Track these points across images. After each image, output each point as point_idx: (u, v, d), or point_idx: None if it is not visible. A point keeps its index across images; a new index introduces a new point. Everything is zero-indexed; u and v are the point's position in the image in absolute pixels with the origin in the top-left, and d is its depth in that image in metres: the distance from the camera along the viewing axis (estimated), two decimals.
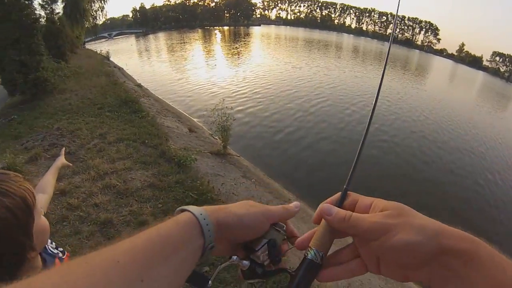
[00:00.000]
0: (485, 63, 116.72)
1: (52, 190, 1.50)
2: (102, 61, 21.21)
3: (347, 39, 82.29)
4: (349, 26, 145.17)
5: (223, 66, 26.30)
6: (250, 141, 9.76)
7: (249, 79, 19.37)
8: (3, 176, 0.83)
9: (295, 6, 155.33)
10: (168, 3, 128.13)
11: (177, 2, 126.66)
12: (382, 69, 0.65)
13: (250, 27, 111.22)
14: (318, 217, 0.47)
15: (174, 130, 8.19)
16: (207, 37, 68.09)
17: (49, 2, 20.82)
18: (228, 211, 0.47)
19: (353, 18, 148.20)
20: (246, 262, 0.47)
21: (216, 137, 8.32)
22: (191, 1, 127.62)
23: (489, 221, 7.24)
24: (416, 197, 7.30)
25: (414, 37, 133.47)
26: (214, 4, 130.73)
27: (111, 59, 24.38)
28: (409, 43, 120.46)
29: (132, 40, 76.35)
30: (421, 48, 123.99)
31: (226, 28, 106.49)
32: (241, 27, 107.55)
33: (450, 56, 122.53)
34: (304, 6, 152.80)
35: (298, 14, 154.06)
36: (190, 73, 22.24)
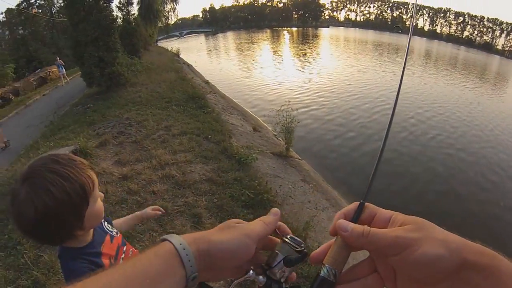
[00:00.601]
0: None
1: (126, 227, 1.62)
2: (172, 58, 22.70)
3: (419, 42, 76.20)
4: (422, 28, 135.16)
5: (290, 67, 26.50)
6: (313, 144, 9.65)
7: (314, 81, 19.35)
8: (70, 162, 0.97)
9: (365, 7, 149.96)
10: (237, 3, 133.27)
11: (245, 2, 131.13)
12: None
13: (319, 28, 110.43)
14: (335, 230, 0.45)
15: (238, 128, 8.36)
16: (275, 38, 69.12)
17: (126, 4, 22.96)
18: (209, 239, 0.45)
19: (426, 19, 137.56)
20: (262, 278, 0.48)
21: (280, 138, 8.33)
22: (260, 2, 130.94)
23: None
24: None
25: (494, 40, 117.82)
26: (282, 4, 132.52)
27: (181, 56, 25.98)
28: (488, 47, 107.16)
29: (201, 38, 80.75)
30: (502, 53, 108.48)
31: (294, 29, 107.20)
32: (309, 28, 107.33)
33: None
34: (374, 6, 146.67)
35: (368, 15, 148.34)
36: (257, 72, 22.93)
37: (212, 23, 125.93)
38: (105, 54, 10.27)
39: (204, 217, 3.79)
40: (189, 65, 22.51)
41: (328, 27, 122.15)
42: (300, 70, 24.53)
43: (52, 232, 0.95)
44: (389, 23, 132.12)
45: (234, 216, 3.79)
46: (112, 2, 11.19)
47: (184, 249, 0.42)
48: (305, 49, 41.63)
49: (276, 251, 0.49)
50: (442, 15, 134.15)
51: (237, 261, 0.46)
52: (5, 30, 35.34)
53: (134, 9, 27.33)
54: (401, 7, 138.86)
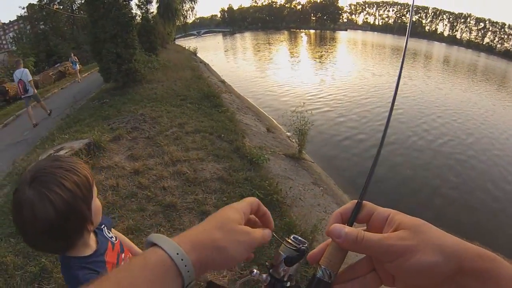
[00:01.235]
0: None
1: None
2: (189, 56, 22.99)
3: (438, 48, 74.24)
4: (441, 33, 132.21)
5: (305, 69, 26.66)
6: (325, 146, 9.70)
7: (328, 83, 19.50)
8: (69, 158, 1.04)
9: (384, 11, 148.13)
10: (255, 4, 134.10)
11: (264, 3, 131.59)
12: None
13: (336, 31, 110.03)
14: (329, 233, 0.46)
15: (252, 128, 8.41)
16: (292, 39, 69.25)
17: (145, 2, 23.36)
18: (212, 246, 0.43)
19: (446, 25, 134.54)
20: (265, 277, 0.50)
21: (293, 140, 8.38)
22: (278, 3, 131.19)
23: None
24: None
25: None
26: (300, 6, 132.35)
27: (197, 54, 26.27)
28: (509, 55, 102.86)
29: (219, 38, 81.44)
30: None
31: (312, 31, 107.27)
32: (327, 31, 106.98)
33: None
34: (393, 10, 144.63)
35: (387, 19, 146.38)
36: (272, 73, 23.22)
37: (230, 23, 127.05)
38: (122, 51, 10.49)
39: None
40: (205, 64, 22.77)
41: (346, 30, 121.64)
42: (315, 72, 24.64)
43: (72, 227, 0.97)
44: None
45: None
46: (132, 0, 11.44)
47: (182, 259, 0.39)
48: (321, 52, 41.66)
49: (280, 251, 0.50)
50: (462, 20, 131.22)
51: (233, 265, 0.47)
52: (27, 25, 36.46)
53: (153, 7, 27.87)
54: (420, 11, 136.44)
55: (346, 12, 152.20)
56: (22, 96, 9.81)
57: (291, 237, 0.52)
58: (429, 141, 10.75)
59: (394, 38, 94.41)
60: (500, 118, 15.37)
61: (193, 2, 43.82)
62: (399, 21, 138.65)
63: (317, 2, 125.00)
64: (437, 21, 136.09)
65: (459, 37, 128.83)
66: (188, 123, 7.10)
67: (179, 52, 25.81)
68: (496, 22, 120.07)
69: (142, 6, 23.33)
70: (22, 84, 9.33)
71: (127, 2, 11.03)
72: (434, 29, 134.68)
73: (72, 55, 17.48)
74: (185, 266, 0.39)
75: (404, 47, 0.65)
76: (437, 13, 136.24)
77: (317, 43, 61.58)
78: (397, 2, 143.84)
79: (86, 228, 1.02)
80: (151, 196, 4.21)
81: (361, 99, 15.55)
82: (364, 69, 27.00)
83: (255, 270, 0.51)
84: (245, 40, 69.08)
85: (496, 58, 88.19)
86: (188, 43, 39.40)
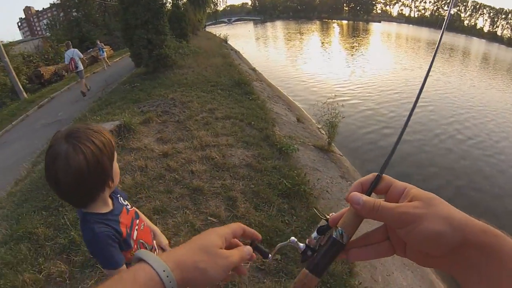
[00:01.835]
0: None
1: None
2: (220, 44, 23.08)
3: (477, 44, 69.78)
4: (481, 29, 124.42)
5: (336, 60, 26.40)
6: (352, 140, 9.64)
7: (358, 75, 19.31)
8: (98, 125, 1.19)
9: (420, 2, 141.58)
10: None
11: None
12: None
13: (370, 23, 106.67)
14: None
15: (282, 117, 8.34)
16: (324, 30, 68.14)
17: None
18: (195, 267, 0.50)
19: (486, 20, 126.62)
20: (302, 245, 0.56)
21: (323, 132, 8.26)
22: None
23: None
24: None
25: None
26: None
27: (228, 42, 26.32)
28: None
29: (250, 26, 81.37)
30: None
31: (344, 22, 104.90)
32: (360, 22, 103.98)
33: None
34: (430, 2, 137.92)
35: (423, 11, 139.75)
36: (303, 63, 23.19)
37: (261, 12, 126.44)
38: (153, 37, 10.67)
39: (239, 201, 3.83)
40: (236, 52, 22.79)
41: (380, 22, 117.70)
42: (346, 64, 24.30)
43: (97, 179, 1.12)
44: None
45: (269, 203, 3.82)
46: None
47: (167, 276, 0.45)
48: (353, 43, 40.89)
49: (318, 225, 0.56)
50: (503, 16, 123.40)
51: (212, 285, 0.52)
52: (60, 12, 37.92)
53: None
54: (459, 4, 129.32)
55: (380, 2, 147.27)
56: (74, 72, 11.56)
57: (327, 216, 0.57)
58: (459, 140, 10.40)
59: (430, 31, 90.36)
60: None
61: None
62: (436, 13, 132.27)
63: None
64: (477, 16, 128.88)
65: (499, 34, 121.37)
66: (218, 109, 7.12)
67: (210, 39, 25.95)
68: None
69: None
70: (74, 61, 10.94)
71: None
72: (473, 24, 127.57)
73: (99, 42, 17.75)
74: (170, 282, 0.44)
75: (438, 41, 0.67)
76: (477, 7, 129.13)
77: (349, 34, 60.19)
78: None
79: (107, 184, 1.18)
80: (178, 179, 4.26)
81: (391, 93, 15.24)
82: (396, 62, 26.45)
83: (293, 238, 0.59)
84: (276, 29, 68.57)
85: None
86: (219, 30, 39.59)
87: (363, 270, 3.23)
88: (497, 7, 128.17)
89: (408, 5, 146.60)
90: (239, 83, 9.75)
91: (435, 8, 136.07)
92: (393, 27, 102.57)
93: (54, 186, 1.06)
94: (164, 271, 0.44)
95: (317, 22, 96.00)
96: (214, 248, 0.53)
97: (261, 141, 5.66)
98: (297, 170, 4.79)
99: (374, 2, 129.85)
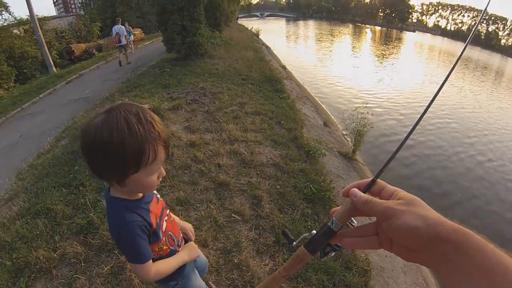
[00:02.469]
0: None
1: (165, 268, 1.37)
2: (251, 37, 23.00)
3: (511, 64, 66.93)
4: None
5: (365, 66, 25.96)
6: (374, 149, 9.45)
7: (385, 84, 19.18)
8: (147, 125, 1.02)
9: (458, 15, 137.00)
10: None
11: None
12: None
13: (404, 31, 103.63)
14: (346, 193, 0.62)
15: (310, 119, 8.18)
16: (356, 34, 67.25)
17: None
18: None
19: None
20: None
21: (347, 139, 8.29)
22: None
23: None
24: None
25: None
26: (369, 0, 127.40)
27: (260, 37, 26.21)
28: None
29: (282, 23, 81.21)
30: None
31: (378, 28, 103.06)
32: (394, 30, 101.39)
33: None
34: (468, 16, 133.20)
35: (460, 25, 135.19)
36: (332, 66, 23.18)
37: (294, 9, 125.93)
38: (188, 24, 10.66)
39: (265, 201, 3.71)
40: (267, 47, 22.63)
41: (414, 31, 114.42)
42: (374, 71, 24.05)
43: (130, 157, 0.99)
44: (482, 37, 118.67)
45: (293, 207, 3.71)
46: None
47: None
48: (384, 51, 40.35)
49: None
50: None
51: None
52: None
53: None
54: (498, 21, 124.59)
55: (416, 12, 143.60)
56: (117, 45, 13.40)
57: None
58: (479, 161, 10.08)
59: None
60: None
61: None
62: (473, 28, 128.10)
63: None
64: (508, 32, 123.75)
65: None
66: (248, 104, 6.99)
67: (242, 31, 25.86)
68: None
69: None
70: (118, 36, 12.82)
71: None
72: (510, 43, 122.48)
73: (127, 24, 16.11)
74: None
75: (458, 55, 0.74)
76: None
77: (381, 41, 58.97)
78: (474, 8, 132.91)
79: (143, 165, 1.01)
80: (205, 171, 4.16)
81: (417, 105, 14.97)
82: (426, 74, 26.00)
83: (314, 231, 0.69)
84: (308, 28, 68.06)
85: None
86: (251, 23, 39.45)
87: (377, 284, 3.13)
88: None
89: (446, 17, 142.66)
90: (270, 80, 9.63)
91: (472, 23, 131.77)
92: (427, 38, 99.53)
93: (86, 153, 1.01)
94: None
95: (350, 25, 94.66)
96: None
97: (289, 142, 5.53)
98: (324, 176, 4.66)
99: (410, 11, 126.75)
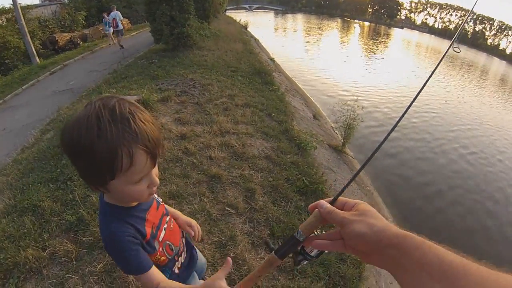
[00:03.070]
0: None
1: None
2: (240, 29, 22.77)
3: (498, 65, 67.61)
4: (504, 50, 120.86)
5: (352, 60, 26.27)
6: (365, 144, 9.45)
7: (371, 78, 19.43)
8: (124, 124, 0.85)
9: (446, 14, 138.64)
10: None
11: None
12: None
13: (392, 27, 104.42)
14: (313, 208, 0.72)
15: (299, 112, 8.17)
16: (344, 29, 67.40)
17: None
18: None
19: (509, 42, 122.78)
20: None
21: (336, 132, 8.37)
22: None
23: None
24: None
25: None
26: None
27: (248, 29, 26.00)
28: None
29: (270, 15, 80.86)
30: None
31: (366, 23, 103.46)
32: (382, 26, 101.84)
33: None
34: (456, 15, 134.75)
35: (448, 23, 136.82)
36: (320, 60, 23.26)
37: (283, 2, 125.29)
38: (177, 14, 10.47)
39: (258, 194, 3.68)
40: (256, 40, 22.47)
41: (402, 28, 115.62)
42: (362, 65, 24.30)
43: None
44: (469, 37, 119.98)
45: (287, 199, 3.69)
46: None
47: None
48: (371, 46, 40.74)
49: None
50: None
51: None
52: None
53: None
54: (485, 21, 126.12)
55: (405, 9, 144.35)
56: (114, 29, 14.46)
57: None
58: (461, 154, 10.30)
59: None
60: None
61: None
62: (459, 27, 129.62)
63: None
64: (501, 36, 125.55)
65: None
66: (238, 96, 6.92)
67: (230, 23, 25.57)
68: None
69: None
70: (115, 21, 13.88)
71: None
72: (496, 43, 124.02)
73: (106, 15, 15.27)
74: None
75: (439, 60, 0.88)
76: (503, 27, 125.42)
77: (369, 36, 59.32)
78: (462, 8, 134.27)
79: (117, 171, 0.85)
80: (196, 163, 4.09)
81: (405, 99, 15.13)
82: (412, 70, 26.33)
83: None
84: (297, 22, 67.82)
85: None
86: (239, 16, 39.13)
87: (370, 276, 3.19)
88: None
89: (433, 15, 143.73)
90: (260, 72, 9.56)
91: (460, 22, 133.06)
92: (415, 35, 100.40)
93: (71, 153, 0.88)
94: None
95: (339, 20, 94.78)
96: None
97: (280, 134, 5.50)
98: (316, 168, 4.66)
99: (399, 8, 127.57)
